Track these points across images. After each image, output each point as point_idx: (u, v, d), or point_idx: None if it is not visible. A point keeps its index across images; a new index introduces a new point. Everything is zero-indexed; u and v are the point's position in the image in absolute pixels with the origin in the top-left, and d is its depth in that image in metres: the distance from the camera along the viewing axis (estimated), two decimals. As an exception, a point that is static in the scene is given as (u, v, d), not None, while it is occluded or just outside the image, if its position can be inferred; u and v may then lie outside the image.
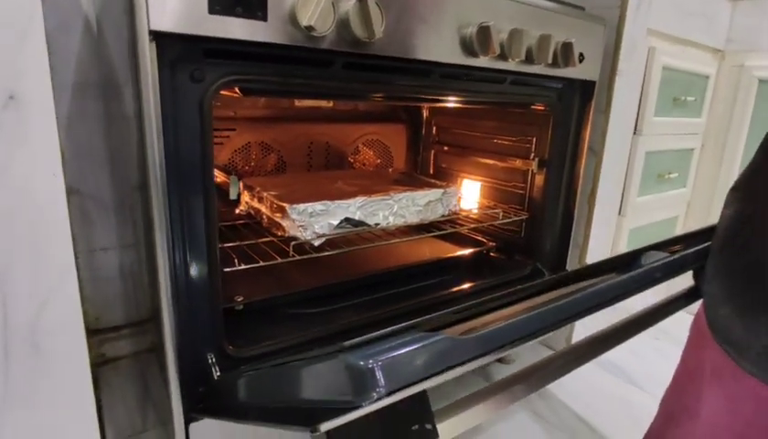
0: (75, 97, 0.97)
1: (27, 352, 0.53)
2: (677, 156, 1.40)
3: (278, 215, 0.84)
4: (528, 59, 0.84)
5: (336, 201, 0.85)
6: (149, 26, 0.51)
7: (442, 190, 1.00)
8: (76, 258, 1.03)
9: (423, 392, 0.34)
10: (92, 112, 0.99)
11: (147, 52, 0.52)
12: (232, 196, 0.78)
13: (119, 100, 1.00)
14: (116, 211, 1.06)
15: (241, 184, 0.96)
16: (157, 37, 0.53)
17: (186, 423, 0.67)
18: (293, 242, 0.82)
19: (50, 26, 0.90)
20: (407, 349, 0.33)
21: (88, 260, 1.05)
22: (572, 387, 1.18)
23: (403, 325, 0.38)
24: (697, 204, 1.54)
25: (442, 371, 0.33)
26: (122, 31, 0.96)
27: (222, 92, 0.71)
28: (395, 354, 0.32)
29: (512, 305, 0.43)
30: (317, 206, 0.82)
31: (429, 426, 0.35)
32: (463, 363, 0.34)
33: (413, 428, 0.35)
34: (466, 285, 1.01)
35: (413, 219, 0.96)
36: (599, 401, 1.13)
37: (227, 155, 1.08)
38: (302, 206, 0.81)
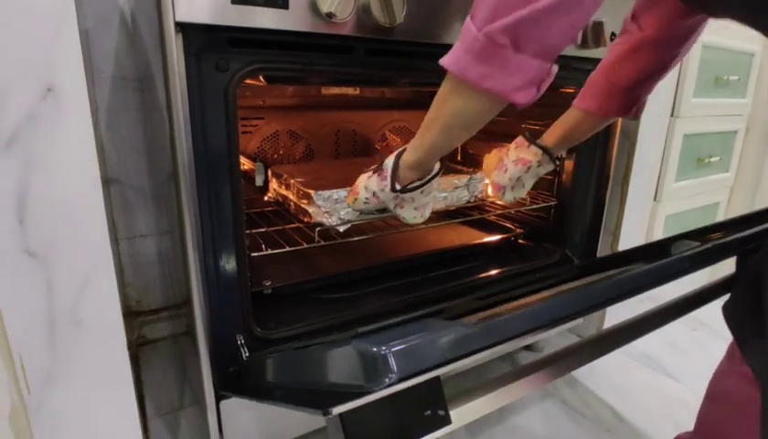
0: (114, 90, 1.02)
1: (71, 329, 0.56)
2: (718, 139, 1.33)
3: (304, 201, 0.85)
4: (556, 41, 0.81)
5: None
6: (174, 18, 0.53)
7: (468, 176, 0.99)
8: (117, 244, 1.09)
9: (436, 378, 0.35)
10: (131, 104, 1.03)
11: (173, 43, 0.54)
12: (258, 183, 0.80)
13: (154, 91, 1.03)
14: (153, 200, 1.11)
15: (270, 171, 0.98)
16: (183, 28, 0.55)
17: (217, 401, 0.70)
18: (318, 228, 0.83)
19: (90, 23, 0.95)
20: (420, 336, 0.33)
21: (129, 246, 1.11)
22: (604, 377, 1.15)
23: (423, 312, 0.38)
24: (741, 189, 1.47)
25: (455, 359, 0.33)
26: (155, 24, 1.00)
27: (248, 81, 0.72)
28: (407, 341, 0.32)
29: (530, 293, 0.43)
30: (342, 192, 0.83)
31: (441, 412, 0.35)
32: (477, 351, 0.34)
33: (426, 414, 0.35)
34: (493, 272, 1.01)
35: (439, 206, 0.95)
36: (632, 393, 1.11)
37: (256, 144, 1.11)
38: (327, 192, 0.82)
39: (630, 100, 0.73)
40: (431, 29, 0.69)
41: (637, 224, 1.18)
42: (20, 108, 0.48)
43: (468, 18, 0.46)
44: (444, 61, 0.48)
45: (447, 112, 0.54)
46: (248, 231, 0.80)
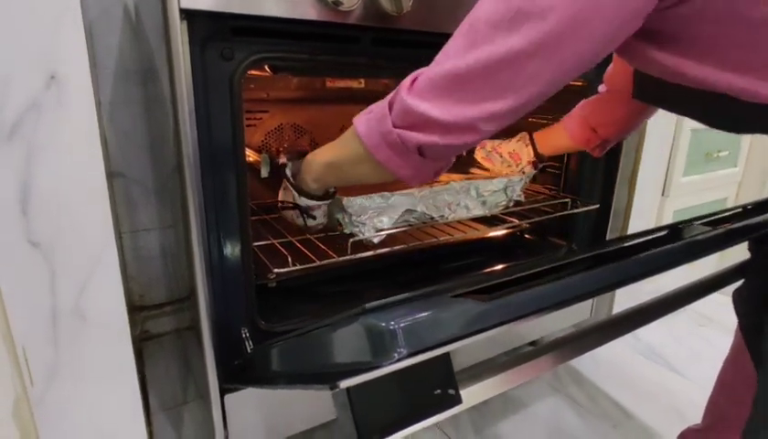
0: (117, 84, 1.01)
1: (74, 322, 0.56)
2: (727, 134, 1.32)
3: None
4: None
5: (395, 193, 0.76)
6: (180, 5, 0.52)
7: (506, 178, 0.89)
8: (120, 238, 1.08)
9: (447, 357, 0.34)
10: (134, 97, 1.03)
11: (178, 31, 0.54)
12: (263, 174, 0.78)
13: (157, 84, 1.03)
14: (157, 193, 1.10)
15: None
16: (188, 15, 0.54)
17: (222, 395, 0.69)
18: (351, 240, 0.75)
19: (93, 15, 0.94)
20: (430, 312, 0.32)
21: (132, 240, 1.10)
22: (610, 373, 1.14)
23: (430, 289, 0.37)
24: (748, 185, 1.45)
25: (465, 336, 0.33)
26: (158, 15, 0.99)
27: (253, 73, 0.71)
28: (417, 317, 0.32)
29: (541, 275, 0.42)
30: (377, 199, 0.74)
31: (452, 392, 0.35)
32: (487, 329, 0.34)
33: (435, 392, 0.35)
34: (499, 267, 1.00)
35: (476, 213, 0.86)
36: (638, 388, 1.10)
37: (260, 138, 1.10)
38: (359, 199, 0.73)
39: (591, 137, 0.80)
40: (438, 18, 0.68)
41: (645, 218, 1.17)
42: (23, 96, 0.47)
43: (388, 100, 0.49)
44: (359, 129, 0.52)
45: (355, 174, 0.59)
46: (268, 241, 0.77)
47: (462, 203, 0.85)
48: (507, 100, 0.42)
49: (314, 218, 0.73)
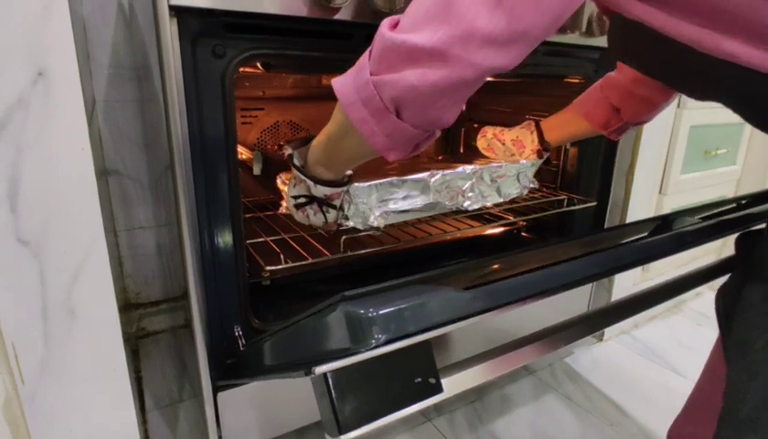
0: (111, 81, 1.00)
1: (64, 319, 0.55)
2: (725, 131, 1.31)
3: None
4: (561, 28, 0.80)
5: (407, 180, 0.72)
6: (169, 1, 0.51)
7: (516, 164, 0.85)
8: (116, 236, 1.08)
9: (428, 345, 0.34)
10: (128, 94, 1.02)
11: (168, 28, 0.53)
12: (256, 171, 0.78)
13: (151, 82, 1.02)
14: (152, 191, 1.10)
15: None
16: (178, 12, 0.53)
17: (215, 393, 0.69)
18: (343, 237, 0.73)
19: (86, 10, 0.94)
20: (410, 299, 0.32)
21: (128, 238, 1.10)
22: (607, 372, 1.14)
23: (415, 277, 0.37)
24: (747, 183, 1.45)
25: (445, 323, 0.33)
26: (151, 11, 0.98)
27: (248, 70, 0.70)
28: (397, 304, 0.32)
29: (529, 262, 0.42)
30: (385, 185, 0.71)
31: (432, 380, 0.35)
32: (468, 317, 0.33)
33: (416, 381, 0.34)
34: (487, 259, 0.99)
35: (494, 199, 0.83)
36: (636, 387, 1.10)
37: (256, 135, 1.09)
38: (365, 184, 0.68)
39: (612, 118, 0.76)
40: (432, 15, 0.68)
41: (642, 216, 1.17)
42: (10, 92, 0.47)
43: (369, 49, 0.44)
44: (335, 85, 0.47)
45: (346, 150, 0.54)
46: (261, 239, 0.77)
47: (476, 189, 0.81)
48: (498, 20, 0.37)
49: (335, 207, 0.66)
